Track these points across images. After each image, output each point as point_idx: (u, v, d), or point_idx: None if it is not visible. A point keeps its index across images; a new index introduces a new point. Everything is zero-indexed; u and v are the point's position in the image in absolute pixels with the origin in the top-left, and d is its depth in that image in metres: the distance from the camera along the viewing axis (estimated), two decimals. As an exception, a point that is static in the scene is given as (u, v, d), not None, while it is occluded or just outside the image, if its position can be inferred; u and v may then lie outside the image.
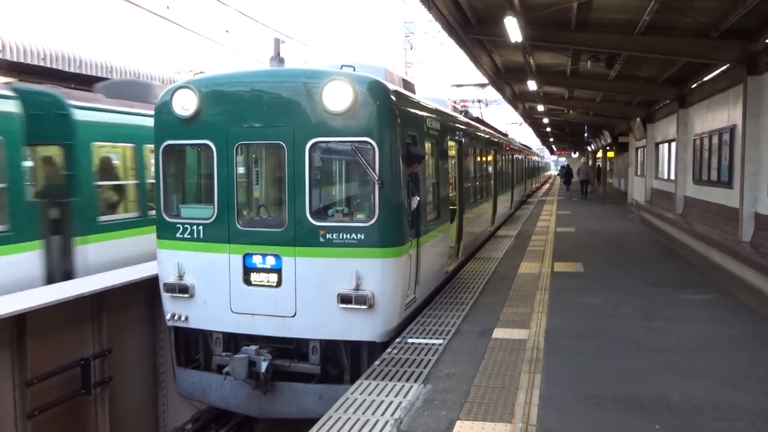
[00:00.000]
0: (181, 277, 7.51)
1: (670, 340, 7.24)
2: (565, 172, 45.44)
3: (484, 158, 15.36)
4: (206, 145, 7.45)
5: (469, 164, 12.79)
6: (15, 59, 12.58)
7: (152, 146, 10.32)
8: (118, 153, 11.32)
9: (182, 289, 7.49)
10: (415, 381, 5.87)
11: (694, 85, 17.64)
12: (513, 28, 12.13)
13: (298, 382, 7.25)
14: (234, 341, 7.56)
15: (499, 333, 7.48)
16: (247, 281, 7.30)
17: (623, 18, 12.62)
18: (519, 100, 29.67)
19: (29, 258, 8.92)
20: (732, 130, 13.73)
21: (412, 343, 7.04)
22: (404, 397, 5.50)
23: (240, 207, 7.50)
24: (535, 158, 50.68)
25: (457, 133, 11.58)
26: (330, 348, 7.29)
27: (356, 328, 7.05)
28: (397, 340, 7.17)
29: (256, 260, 7.27)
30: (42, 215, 9.36)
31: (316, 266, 7.07)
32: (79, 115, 9.97)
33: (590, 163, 45.00)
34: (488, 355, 6.67)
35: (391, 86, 7.78)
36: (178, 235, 7.55)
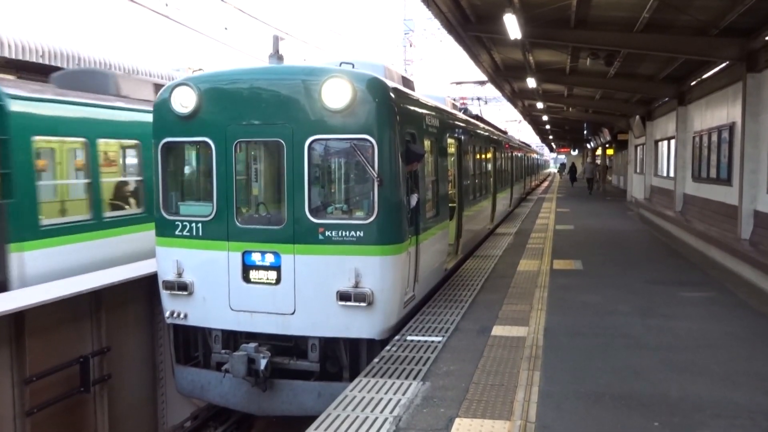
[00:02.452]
0: (180, 274, 7.51)
1: (669, 338, 7.25)
2: (571, 170, 49.23)
3: (483, 156, 15.35)
4: (205, 142, 7.44)
5: (469, 162, 12.78)
6: (14, 56, 12.55)
7: (108, 141, 10.17)
8: (65, 148, 10.09)
9: (181, 287, 7.48)
10: (414, 378, 5.88)
11: (694, 82, 17.63)
12: (512, 26, 12.12)
13: (297, 379, 7.26)
14: (233, 339, 7.56)
15: (498, 330, 7.48)
16: (246, 279, 7.29)
17: (622, 15, 12.60)
18: (518, 97, 29.66)
19: None
20: (731, 127, 13.73)
21: (411, 341, 7.04)
22: (403, 394, 5.50)
23: (239, 204, 7.49)
24: (535, 156, 51.00)
25: (457, 130, 11.56)
26: (329, 345, 7.29)
27: (355, 325, 7.05)
28: (396, 337, 7.17)
29: (255, 258, 7.27)
30: None
31: (315, 264, 7.06)
32: (16, 106, 8.54)
33: (595, 162, 47.35)
34: (487, 352, 6.67)
35: (390, 83, 7.77)
36: (177, 232, 7.55)
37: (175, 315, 7.61)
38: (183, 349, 8.03)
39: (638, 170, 28.67)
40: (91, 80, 10.76)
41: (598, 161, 47.54)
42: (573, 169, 49.61)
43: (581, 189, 39.30)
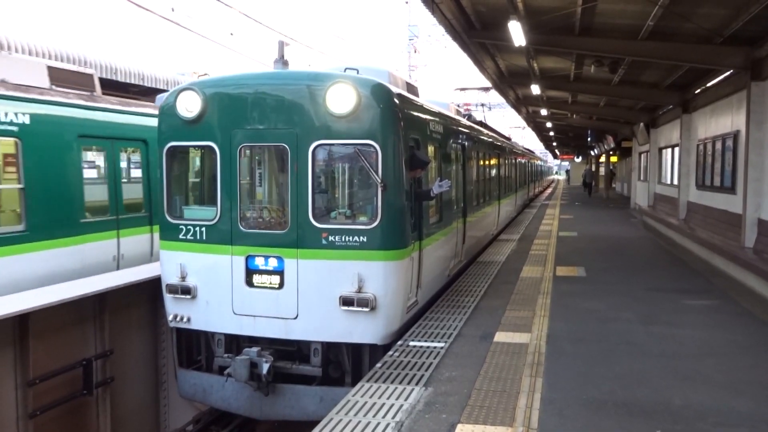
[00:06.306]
0: (183, 278, 7.53)
1: (672, 346, 7.24)
2: (584, 176, 50.69)
3: (487, 162, 15.36)
4: (210, 146, 7.47)
5: (472, 168, 12.80)
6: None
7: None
8: None
9: (184, 291, 7.50)
10: (417, 384, 5.88)
11: (698, 90, 17.63)
12: (517, 33, 12.14)
13: (300, 384, 7.26)
14: (236, 343, 7.57)
15: (500, 336, 7.48)
16: (250, 283, 7.31)
17: (627, 23, 12.62)
18: (522, 104, 29.68)
19: None
20: (735, 135, 13.72)
21: (414, 346, 7.04)
22: (405, 399, 5.50)
23: (243, 209, 7.51)
24: (538, 162, 51.04)
25: (461, 136, 11.58)
26: (331, 350, 7.30)
27: (358, 330, 7.05)
28: (399, 342, 7.18)
29: (259, 262, 7.28)
30: None
31: (318, 268, 7.08)
32: None
33: (595, 168, 49.10)
34: (490, 358, 6.67)
35: (395, 89, 7.79)
36: (180, 236, 7.57)
37: (178, 318, 7.63)
38: (185, 352, 8.05)
39: (642, 177, 28.62)
40: None
41: (602, 170, 48.41)
42: (585, 175, 50.28)
43: (587, 195, 41.30)
